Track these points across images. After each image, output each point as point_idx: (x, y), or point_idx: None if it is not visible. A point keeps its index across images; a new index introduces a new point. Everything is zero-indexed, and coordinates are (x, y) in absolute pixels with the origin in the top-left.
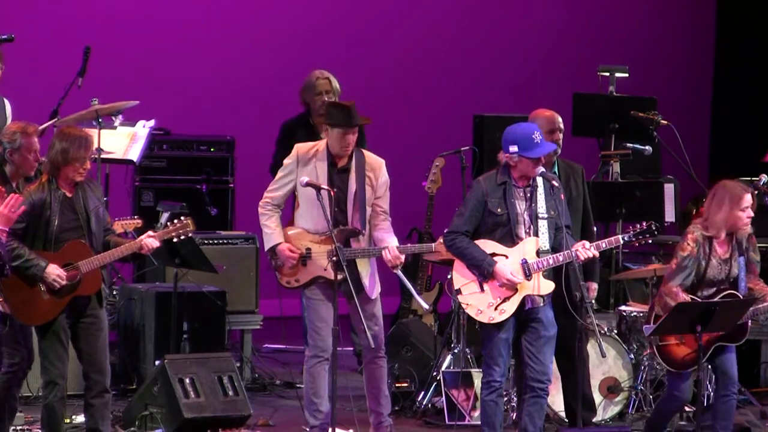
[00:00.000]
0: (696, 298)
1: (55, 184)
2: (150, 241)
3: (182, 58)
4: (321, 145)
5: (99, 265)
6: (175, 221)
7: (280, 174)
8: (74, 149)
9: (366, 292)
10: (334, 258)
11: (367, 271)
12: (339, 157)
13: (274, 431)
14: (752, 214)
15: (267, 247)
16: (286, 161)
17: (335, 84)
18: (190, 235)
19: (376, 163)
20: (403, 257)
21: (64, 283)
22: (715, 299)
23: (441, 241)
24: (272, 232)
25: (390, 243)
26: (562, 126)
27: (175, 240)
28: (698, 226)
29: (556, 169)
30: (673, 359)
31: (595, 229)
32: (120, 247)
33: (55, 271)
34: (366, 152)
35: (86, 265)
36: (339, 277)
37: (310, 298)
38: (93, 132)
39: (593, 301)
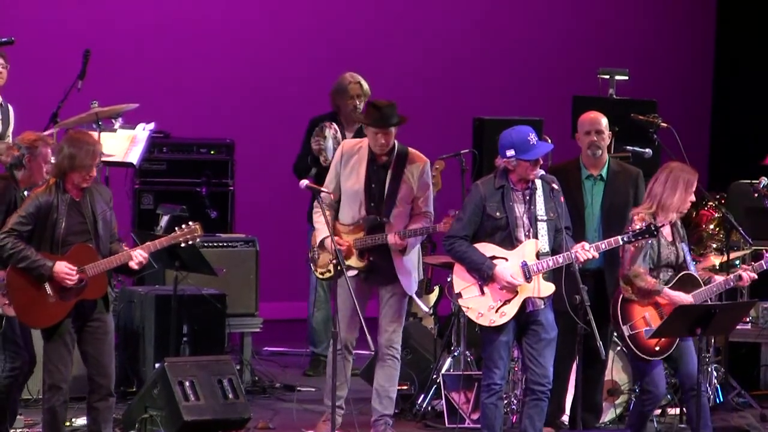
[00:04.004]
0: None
1: (62, 188)
2: (137, 253)
3: (182, 60)
4: (365, 141)
5: (105, 269)
6: (183, 226)
7: (330, 172)
8: (81, 156)
9: (400, 286)
10: (333, 261)
11: (403, 266)
12: (380, 157)
13: None
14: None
15: (317, 242)
16: (334, 158)
17: (365, 87)
18: (198, 240)
19: (417, 160)
20: (406, 242)
21: (74, 279)
22: (672, 283)
23: (444, 221)
24: (319, 228)
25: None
26: (601, 128)
27: (182, 245)
28: (645, 208)
29: (604, 171)
30: (646, 347)
31: None
32: (116, 255)
33: (63, 268)
34: (411, 150)
35: (92, 269)
36: (350, 273)
37: (341, 287)
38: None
39: None
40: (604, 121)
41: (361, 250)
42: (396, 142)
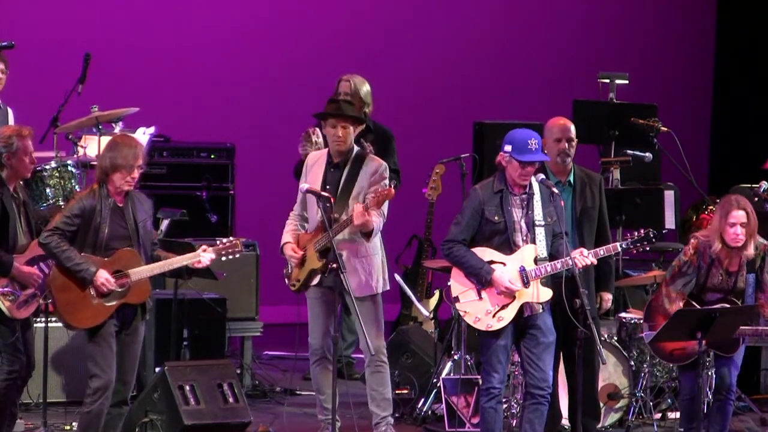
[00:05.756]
0: (693, 303)
1: (105, 192)
2: (207, 255)
3: (182, 64)
4: (326, 150)
5: (149, 275)
6: (225, 240)
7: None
8: (120, 157)
9: (359, 289)
10: (334, 265)
11: (356, 268)
12: (336, 156)
13: None
14: (740, 232)
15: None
16: (301, 175)
17: (356, 86)
18: (238, 255)
19: (373, 161)
20: (367, 219)
21: (112, 288)
22: (715, 306)
23: (363, 202)
24: (283, 237)
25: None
26: (572, 135)
27: (223, 259)
28: (701, 233)
29: (572, 178)
30: (662, 351)
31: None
32: (174, 258)
33: (103, 275)
34: (371, 155)
35: (137, 274)
36: (313, 282)
37: (308, 298)
38: (93, 138)
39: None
40: (572, 128)
41: (321, 251)
42: (356, 147)
